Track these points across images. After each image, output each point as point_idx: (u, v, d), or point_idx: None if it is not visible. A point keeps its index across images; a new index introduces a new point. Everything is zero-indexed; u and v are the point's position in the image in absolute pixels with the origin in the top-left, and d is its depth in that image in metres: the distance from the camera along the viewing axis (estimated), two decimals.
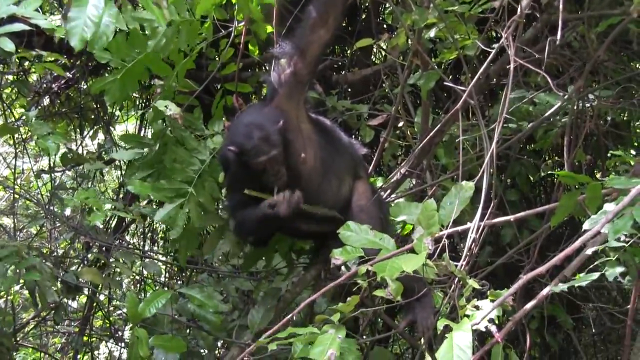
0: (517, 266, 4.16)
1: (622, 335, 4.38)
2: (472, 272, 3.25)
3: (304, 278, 3.73)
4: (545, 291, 2.46)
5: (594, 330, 5.66)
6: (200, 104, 3.91)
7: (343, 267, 3.46)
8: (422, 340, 3.18)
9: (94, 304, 5.65)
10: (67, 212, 5.71)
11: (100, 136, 6.28)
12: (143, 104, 5.93)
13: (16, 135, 5.65)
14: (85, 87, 5.78)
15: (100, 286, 4.75)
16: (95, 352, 6.36)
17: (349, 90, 5.71)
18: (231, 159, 3.24)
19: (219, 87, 4.28)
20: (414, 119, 4.62)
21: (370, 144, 4.72)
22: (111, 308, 6.04)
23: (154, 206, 4.16)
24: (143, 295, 5.62)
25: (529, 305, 2.47)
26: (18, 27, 2.98)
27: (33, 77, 6.05)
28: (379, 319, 5.12)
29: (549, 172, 4.88)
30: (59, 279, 4.27)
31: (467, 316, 2.37)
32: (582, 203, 2.64)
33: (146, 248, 5.95)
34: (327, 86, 5.21)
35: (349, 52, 5.90)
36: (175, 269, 5.78)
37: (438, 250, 2.61)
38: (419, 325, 3.19)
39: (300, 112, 3.36)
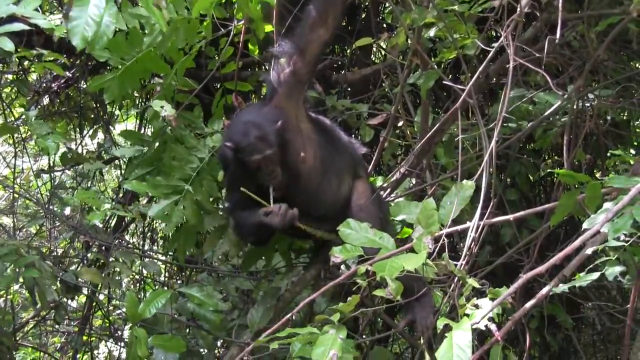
0: (517, 266, 4.16)
1: (622, 335, 4.38)
2: (472, 271, 3.25)
3: (304, 277, 3.73)
4: (544, 291, 2.46)
5: (594, 330, 5.66)
6: (200, 103, 3.91)
7: (343, 267, 3.47)
8: (422, 339, 3.17)
9: (94, 304, 5.65)
10: (67, 211, 5.72)
11: (100, 135, 6.28)
12: (143, 103, 5.93)
13: (16, 135, 5.65)
14: (85, 86, 5.78)
15: (99, 286, 4.75)
16: (95, 352, 6.36)
17: (349, 89, 5.71)
18: (229, 156, 3.25)
19: (218, 86, 4.28)
20: (413, 119, 4.62)
21: (370, 144, 4.72)
22: (111, 307, 6.04)
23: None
24: (143, 294, 5.62)
25: (528, 305, 2.46)
26: (18, 26, 2.97)
27: (33, 77, 6.05)
28: (379, 319, 5.12)
29: (549, 171, 4.87)
30: (59, 279, 4.27)
31: (467, 315, 2.37)
32: (581, 202, 2.64)
33: (146, 247, 5.95)
34: (327, 85, 5.21)
35: (348, 51, 5.90)
36: (175, 269, 5.79)
37: (438, 250, 2.61)
38: (418, 325, 3.19)
39: (299, 111, 3.36)
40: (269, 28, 3.78)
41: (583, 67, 4.01)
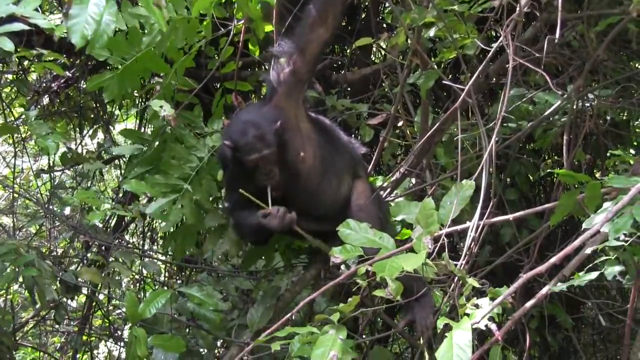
0: (517, 265, 4.16)
1: (622, 335, 4.38)
2: (472, 271, 3.25)
3: (304, 277, 3.74)
4: (544, 290, 2.46)
5: (594, 330, 5.66)
6: (199, 103, 3.91)
7: (343, 267, 3.47)
8: (421, 339, 3.17)
9: (94, 304, 5.65)
10: (67, 211, 5.72)
11: (100, 135, 6.28)
12: (142, 102, 5.93)
13: (16, 135, 5.65)
14: (84, 86, 5.78)
15: (99, 285, 4.74)
16: (95, 352, 6.36)
17: (349, 89, 5.71)
18: (228, 155, 3.25)
19: (218, 85, 4.28)
20: (413, 119, 4.62)
21: (370, 143, 4.72)
22: (110, 307, 6.05)
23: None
24: (142, 294, 5.62)
25: (528, 304, 2.47)
26: (17, 26, 2.98)
27: (32, 76, 6.05)
28: (379, 319, 5.12)
29: (549, 171, 4.87)
30: (58, 279, 4.27)
31: (467, 315, 2.37)
32: (581, 202, 2.64)
33: (145, 247, 5.95)
34: (327, 85, 5.21)
35: (348, 51, 5.90)
36: (175, 268, 5.78)
37: (437, 250, 2.61)
38: (417, 325, 3.19)
39: (299, 111, 3.36)
40: (268, 28, 3.78)
41: (583, 67, 4.01)
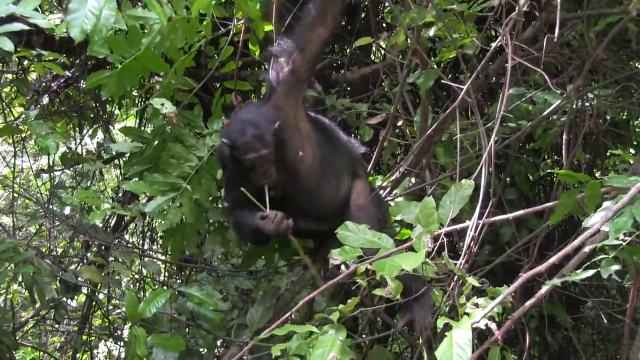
0: (516, 265, 4.16)
1: (621, 334, 4.38)
2: (471, 271, 3.25)
3: (303, 277, 3.74)
4: (544, 290, 2.47)
5: (593, 329, 5.66)
6: (199, 102, 3.91)
7: (343, 267, 3.47)
8: (421, 339, 3.17)
9: (93, 303, 5.65)
10: (67, 211, 5.71)
11: (100, 135, 6.28)
12: (142, 102, 5.93)
13: (15, 134, 5.64)
14: (84, 86, 5.78)
15: (99, 285, 4.74)
16: (95, 351, 6.35)
17: (348, 89, 5.71)
18: (226, 154, 3.25)
19: (218, 85, 4.28)
20: (413, 118, 4.62)
21: (370, 143, 4.72)
22: (110, 307, 6.04)
23: None
24: (142, 294, 5.62)
25: (528, 304, 2.47)
26: (17, 26, 2.98)
27: (32, 76, 6.05)
28: (378, 318, 5.12)
29: (548, 171, 4.87)
30: (58, 278, 4.27)
31: (467, 314, 2.37)
32: (581, 202, 2.64)
33: (145, 247, 5.95)
34: (327, 85, 5.21)
35: (348, 50, 5.90)
36: (175, 268, 5.78)
37: (437, 249, 2.61)
38: (416, 325, 3.19)
39: (298, 110, 3.36)
40: (268, 27, 3.78)
41: (582, 66, 4.01)
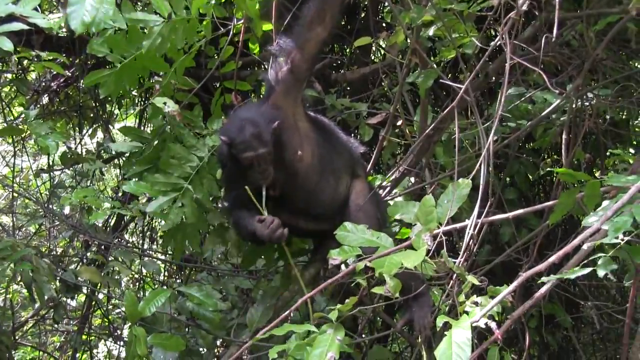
0: (516, 265, 4.16)
1: (621, 334, 4.38)
2: (471, 270, 3.25)
3: (303, 277, 3.73)
4: (543, 289, 2.47)
5: (593, 329, 5.66)
6: (199, 102, 3.91)
7: (342, 266, 3.47)
8: (420, 339, 3.17)
9: (93, 303, 5.64)
10: (66, 210, 5.72)
11: (100, 134, 6.28)
12: (142, 102, 5.93)
13: None
14: (84, 85, 5.78)
15: (99, 285, 4.74)
16: (94, 351, 6.35)
17: (348, 88, 5.71)
18: (225, 153, 3.25)
19: (218, 85, 4.28)
20: (412, 118, 4.62)
21: (370, 143, 4.72)
22: (110, 307, 6.04)
23: None
24: (142, 293, 5.62)
25: (527, 303, 2.47)
26: (17, 26, 2.99)
27: (32, 76, 6.05)
28: (378, 318, 5.12)
29: (548, 170, 4.87)
30: (58, 278, 4.27)
31: (466, 313, 2.37)
32: (580, 201, 2.64)
33: (145, 247, 5.95)
34: (326, 84, 5.22)
35: (348, 50, 5.90)
36: (174, 268, 5.78)
37: (436, 248, 2.61)
38: (415, 324, 3.19)
39: (297, 109, 3.36)
40: (267, 26, 3.78)
41: (582, 66, 4.01)
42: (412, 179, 4.21)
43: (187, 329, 4.05)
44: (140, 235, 6.22)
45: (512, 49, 3.03)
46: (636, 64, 4.88)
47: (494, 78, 4.41)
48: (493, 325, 2.32)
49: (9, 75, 5.85)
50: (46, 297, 3.90)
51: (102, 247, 4.97)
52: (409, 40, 3.77)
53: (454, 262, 2.60)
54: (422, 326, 3.15)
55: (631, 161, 4.13)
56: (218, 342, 4.46)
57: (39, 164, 6.85)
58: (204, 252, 4.29)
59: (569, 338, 5.36)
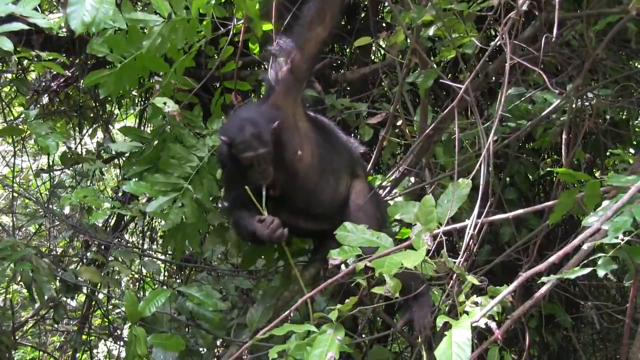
0: (516, 265, 4.16)
1: (621, 334, 4.38)
2: (471, 270, 3.25)
3: (303, 276, 3.72)
4: (543, 289, 2.47)
5: (593, 329, 5.66)
6: (199, 102, 3.91)
7: (342, 266, 3.47)
8: (420, 339, 3.17)
9: (93, 303, 5.64)
10: (66, 210, 5.71)
11: (100, 134, 6.28)
12: (142, 102, 5.94)
13: None
14: (84, 85, 5.78)
15: (99, 285, 4.74)
16: (94, 351, 6.35)
17: (348, 88, 5.71)
18: (225, 153, 3.25)
19: (218, 85, 4.28)
20: (412, 118, 4.62)
21: (369, 143, 4.72)
22: (110, 307, 6.04)
23: None
24: (142, 293, 5.62)
25: (527, 303, 2.47)
26: (17, 26, 2.99)
27: (32, 76, 6.05)
28: (378, 318, 5.12)
29: (548, 170, 4.87)
30: (58, 278, 4.27)
31: (466, 312, 2.37)
32: (580, 201, 2.64)
33: (145, 247, 5.95)
34: (326, 84, 5.22)
35: (348, 50, 5.90)
36: (174, 268, 5.78)
37: (436, 248, 2.61)
38: (415, 325, 3.19)
39: (297, 109, 3.36)
40: (267, 26, 3.78)
41: (582, 66, 4.01)
42: (412, 179, 4.20)
43: (187, 329, 4.05)
44: (140, 235, 6.22)
45: (512, 49, 3.02)
46: (636, 64, 4.88)
47: (494, 78, 4.40)
48: (493, 325, 2.32)
49: (9, 75, 5.85)
50: (46, 297, 3.90)
51: (102, 247, 4.97)
52: (409, 40, 3.77)
53: (454, 262, 2.60)
54: (422, 326, 3.15)
55: (631, 161, 4.13)
56: (218, 342, 4.45)
57: (39, 164, 6.85)
58: (204, 252, 4.29)
59: (569, 338, 5.36)
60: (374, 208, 3.42)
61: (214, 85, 4.72)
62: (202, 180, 3.62)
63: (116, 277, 5.37)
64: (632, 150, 5.00)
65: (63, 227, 5.63)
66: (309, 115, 3.49)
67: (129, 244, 5.80)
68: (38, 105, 5.87)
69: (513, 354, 5.00)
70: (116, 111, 6.43)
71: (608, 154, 4.45)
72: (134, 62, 3.46)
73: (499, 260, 3.85)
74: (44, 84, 5.93)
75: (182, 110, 3.74)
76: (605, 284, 5.38)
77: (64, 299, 4.71)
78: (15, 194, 6.13)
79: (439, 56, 4.13)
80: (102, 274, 4.51)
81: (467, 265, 2.84)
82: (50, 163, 5.66)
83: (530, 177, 5.24)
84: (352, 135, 4.51)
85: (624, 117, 4.89)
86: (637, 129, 5.22)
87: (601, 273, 2.45)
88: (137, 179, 3.67)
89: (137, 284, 6.10)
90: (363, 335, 4.38)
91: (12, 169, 6.03)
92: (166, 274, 5.89)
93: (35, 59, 4.65)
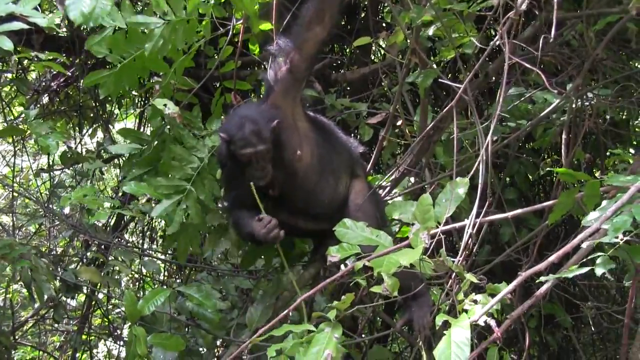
0: (516, 265, 4.15)
1: (621, 334, 4.37)
2: (471, 270, 3.25)
3: (303, 276, 3.73)
4: (543, 288, 2.47)
5: (593, 329, 5.66)
6: (199, 102, 3.91)
7: (342, 266, 3.47)
8: (419, 339, 3.17)
9: (93, 303, 5.64)
10: (66, 210, 5.71)
11: (100, 134, 6.28)
12: (142, 102, 5.94)
13: None
14: (84, 85, 5.78)
15: (99, 285, 4.74)
16: (94, 351, 6.34)
17: (348, 88, 5.71)
18: (224, 151, 3.25)
19: (217, 85, 4.28)
20: (412, 118, 4.62)
21: (369, 142, 4.72)
22: (110, 306, 6.04)
23: (153, 204, 4.15)
24: (142, 293, 5.62)
25: (527, 303, 2.47)
26: (17, 25, 2.99)
27: (32, 76, 6.05)
28: (378, 318, 5.12)
29: (548, 170, 4.87)
30: (58, 277, 4.27)
31: (465, 311, 2.37)
32: (580, 201, 2.64)
33: (145, 246, 5.95)
34: (326, 84, 5.22)
35: (347, 50, 5.91)
36: (174, 267, 5.78)
37: (435, 247, 2.61)
38: (415, 324, 3.19)
39: (296, 109, 3.36)
40: (267, 26, 3.78)
41: (582, 66, 4.01)
42: (412, 179, 4.20)
43: (187, 329, 4.05)
44: (140, 235, 6.22)
45: (511, 49, 3.03)
46: (636, 64, 4.88)
47: (493, 78, 4.40)
48: (493, 323, 2.32)
49: (9, 75, 5.85)
50: (46, 297, 3.91)
51: (102, 246, 4.97)
52: (408, 40, 3.77)
53: (453, 262, 2.60)
54: (421, 326, 3.15)
55: (631, 161, 4.12)
56: (218, 342, 4.45)
57: (39, 163, 6.85)
58: (204, 252, 4.29)
59: (569, 338, 5.35)
60: (373, 208, 3.42)
61: (214, 85, 4.72)
62: (204, 181, 3.62)
63: (116, 276, 5.38)
64: (632, 150, 5.00)
65: (63, 226, 5.64)
66: (309, 115, 3.49)
67: (129, 244, 5.80)
68: (38, 105, 5.88)
69: (513, 354, 5.00)
70: (116, 111, 6.43)
71: (608, 154, 4.45)
72: (134, 62, 3.46)
73: (498, 260, 3.84)
74: (44, 83, 5.93)
75: (182, 111, 3.74)
76: (605, 284, 5.38)
77: (64, 298, 4.71)
78: (15, 194, 6.13)
79: (438, 56, 4.13)
80: (102, 273, 4.51)
81: (466, 265, 2.84)
82: (50, 163, 5.67)
83: (530, 177, 5.24)
84: (352, 135, 4.51)
85: (624, 117, 4.88)
86: (637, 129, 5.22)
87: (599, 272, 2.45)
88: (137, 181, 3.66)
89: (137, 283, 6.10)
90: (363, 335, 4.38)
91: (12, 168, 6.04)
92: (166, 273, 5.89)
93: (35, 59, 4.65)
